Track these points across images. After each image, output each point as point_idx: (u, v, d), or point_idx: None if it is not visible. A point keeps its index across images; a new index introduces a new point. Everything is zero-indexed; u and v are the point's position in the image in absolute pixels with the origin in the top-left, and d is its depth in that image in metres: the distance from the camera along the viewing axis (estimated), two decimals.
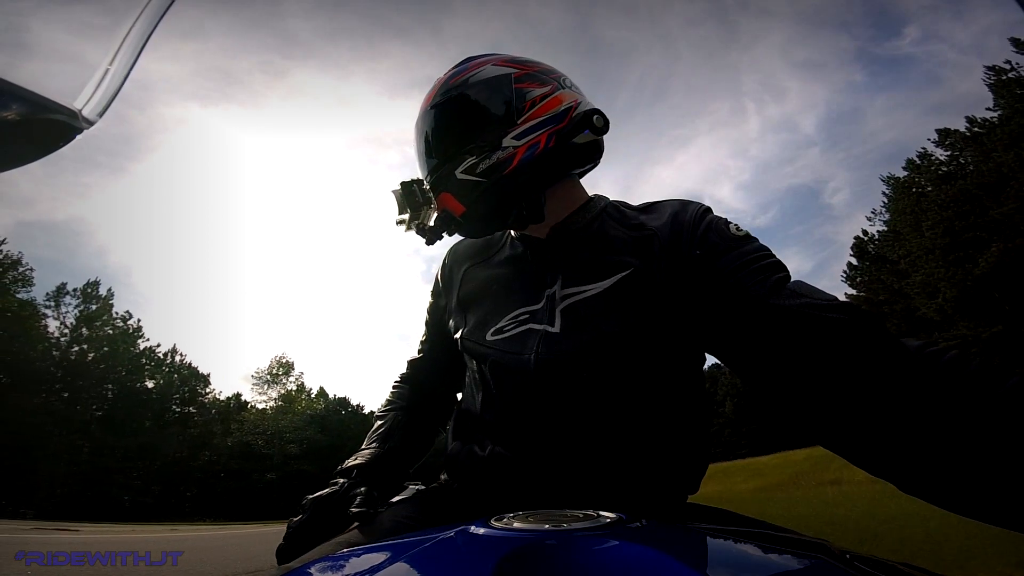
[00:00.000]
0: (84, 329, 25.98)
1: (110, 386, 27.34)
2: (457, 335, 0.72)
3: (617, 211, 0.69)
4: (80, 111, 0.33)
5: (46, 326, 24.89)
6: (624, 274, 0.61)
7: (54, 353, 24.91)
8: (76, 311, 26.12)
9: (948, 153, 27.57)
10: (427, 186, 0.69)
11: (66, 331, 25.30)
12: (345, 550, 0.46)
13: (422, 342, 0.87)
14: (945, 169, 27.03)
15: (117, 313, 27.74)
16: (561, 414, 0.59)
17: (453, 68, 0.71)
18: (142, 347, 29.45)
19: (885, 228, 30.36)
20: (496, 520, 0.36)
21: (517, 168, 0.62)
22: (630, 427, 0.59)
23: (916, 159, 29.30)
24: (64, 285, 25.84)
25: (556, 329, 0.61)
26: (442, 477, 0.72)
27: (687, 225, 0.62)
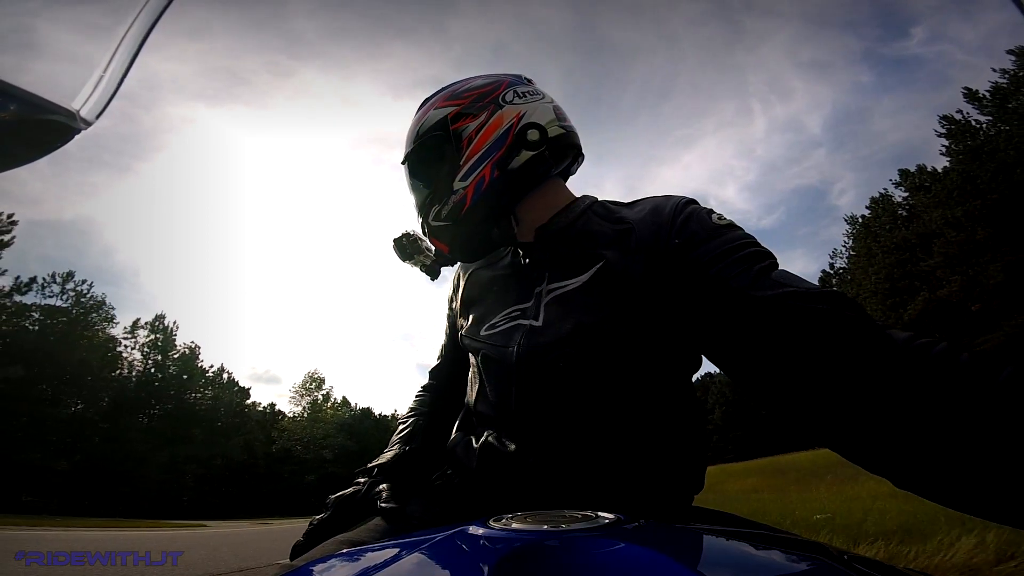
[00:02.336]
0: (157, 356, 31.63)
1: (170, 404, 31.89)
2: (459, 332, 0.76)
3: (603, 208, 0.70)
4: (78, 112, 0.33)
5: (120, 352, 29.91)
6: (599, 266, 0.61)
7: (126, 376, 30.00)
8: (146, 339, 31.81)
9: (905, 195, 28.90)
10: (415, 235, 0.76)
11: (139, 359, 30.94)
12: (346, 550, 0.46)
13: (442, 347, 0.90)
14: (903, 213, 28.43)
15: (183, 343, 33.59)
16: (541, 405, 0.60)
17: (414, 116, 0.75)
18: (198, 367, 34.54)
19: (847, 265, 31.29)
20: (495, 520, 0.36)
21: (472, 206, 0.67)
22: (613, 420, 0.58)
23: (878, 196, 30.84)
24: (138, 320, 31.79)
25: (539, 323, 0.63)
26: (448, 472, 0.73)
27: (666, 216, 0.61)
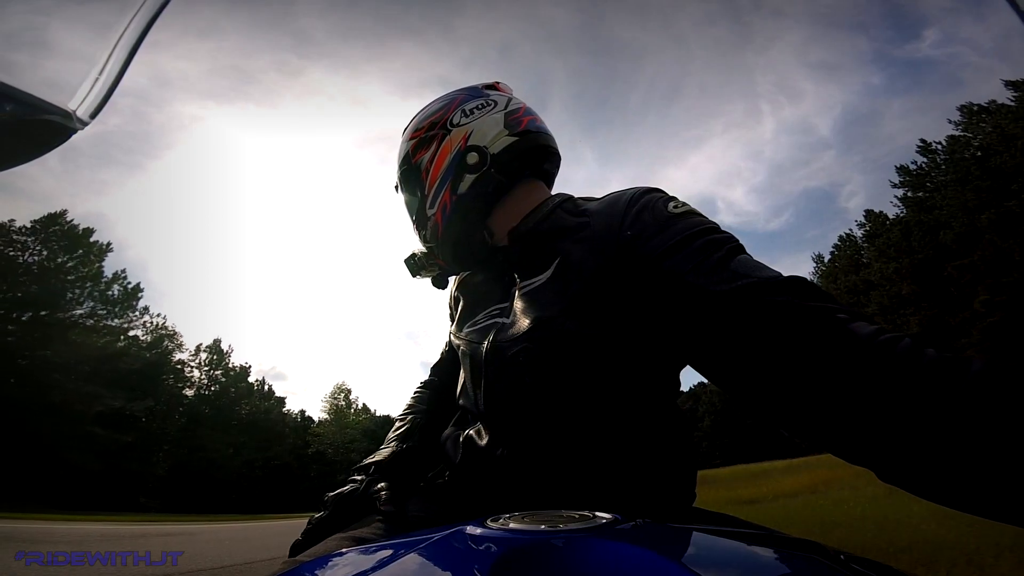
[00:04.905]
0: (213, 372, 37.31)
1: (228, 415, 36.82)
2: (449, 330, 0.81)
3: (573, 204, 0.70)
4: (74, 111, 0.33)
5: (184, 373, 35.39)
6: (558, 261, 0.62)
7: (194, 394, 35.73)
8: (206, 360, 37.41)
9: (864, 238, 31.14)
10: (422, 252, 0.80)
11: (198, 377, 36.57)
12: (344, 549, 0.46)
13: (445, 344, 0.94)
14: (866, 258, 30.56)
15: (236, 363, 39.49)
16: (504, 400, 0.62)
17: None
18: (248, 382, 40.57)
19: None
20: (492, 520, 0.36)
21: (444, 229, 0.72)
22: (579, 415, 0.57)
23: (839, 242, 33.25)
24: (201, 344, 37.32)
25: (508, 320, 0.64)
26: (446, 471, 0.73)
27: (621, 207, 0.60)
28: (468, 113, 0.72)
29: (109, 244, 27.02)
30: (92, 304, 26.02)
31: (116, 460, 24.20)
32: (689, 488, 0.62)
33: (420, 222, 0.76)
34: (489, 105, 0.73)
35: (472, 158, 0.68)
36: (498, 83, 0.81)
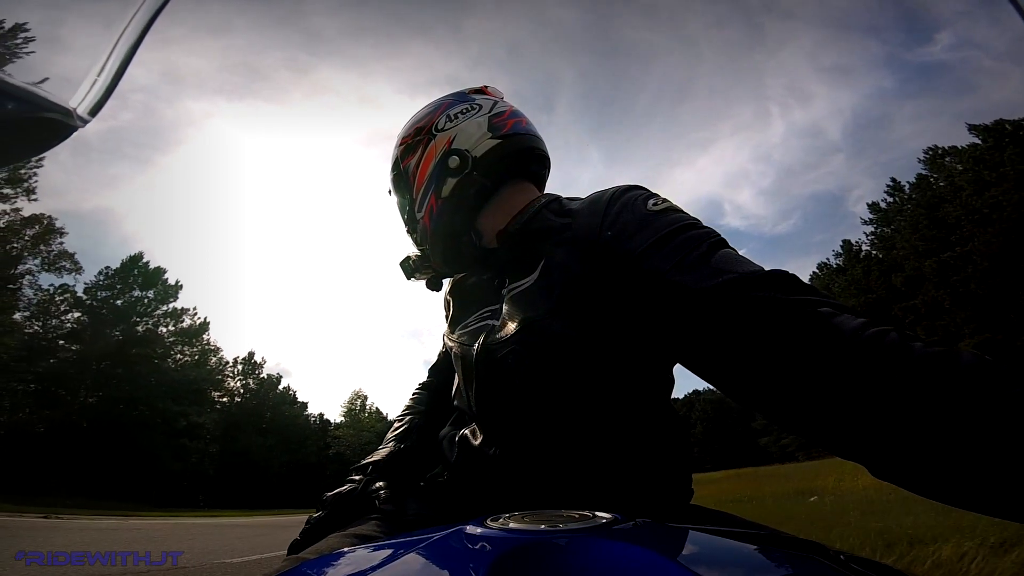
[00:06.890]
0: (247, 382, 40.96)
1: (261, 421, 40.09)
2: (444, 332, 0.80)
3: (558, 204, 0.69)
4: (74, 109, 0.33)
5: (225, 383, 39.02)
6: (543, 263, 0.62)
7: (232, 402, 39.51)
8: (241, 371, 40.90)
9: (836, 269, 33.02)
10: (417, 255, 0.81)
11: (240, 387, 40.17)
12: (344, 548, 0.46)
13: (443, 345, 0.93)
14: (835, 291, 32.37)
15: (267, 372, 43.03)
16: (495, 401, 0.62)
17: None
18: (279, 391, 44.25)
19: None
20: (492, 520, 0.36)
21: (433, 232, 0.73)
22: (568, 416, 0.57)
23: (817, 271, 35.24)
24: (237, 357, 40.90)
25: (498, 322, 0.65)
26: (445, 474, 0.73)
27: (602, 206, 0.59)
28: (452, 118, 0.72)
29: (179, 282, 32.63)
30: (173, 339, 32.31)
31: (190, 465, 29.82)
32: (686, 486, 0.62)
33: (411, 226, 0.78)
34: (474, 109, 0.73)
35: (454, 162, 0.69)
36: (486, 87, 0.81)
